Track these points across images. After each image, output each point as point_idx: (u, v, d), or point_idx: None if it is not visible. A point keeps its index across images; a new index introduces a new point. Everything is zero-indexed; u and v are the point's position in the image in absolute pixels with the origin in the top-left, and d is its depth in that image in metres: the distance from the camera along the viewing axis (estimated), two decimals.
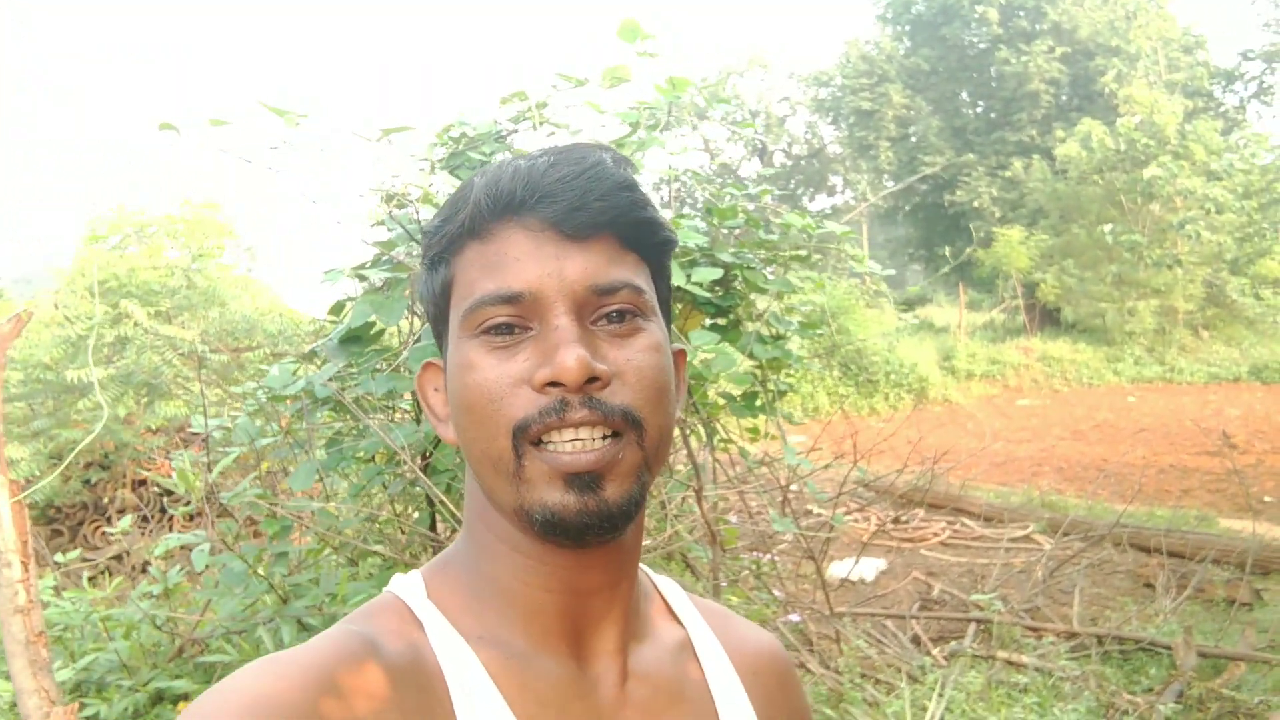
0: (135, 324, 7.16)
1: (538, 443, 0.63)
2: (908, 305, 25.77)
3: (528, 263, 0.65)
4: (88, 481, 7.40)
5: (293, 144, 3.07)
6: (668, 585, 0.83)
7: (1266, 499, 8.07)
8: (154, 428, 6.94)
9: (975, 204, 27.21)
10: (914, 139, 29.73)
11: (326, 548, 3.04)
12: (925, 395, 17.15)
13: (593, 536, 0.65)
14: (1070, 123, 26.00)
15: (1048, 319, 23.62)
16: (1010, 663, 4.35)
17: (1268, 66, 29.60)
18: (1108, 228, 22.15)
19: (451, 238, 0.69)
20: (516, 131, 3.85)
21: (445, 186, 3.20)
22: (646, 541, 3.56)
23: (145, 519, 6.54)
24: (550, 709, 0.67)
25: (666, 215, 3.48)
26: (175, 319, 7.58)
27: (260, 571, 2.63)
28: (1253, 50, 29.69)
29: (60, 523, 7.41)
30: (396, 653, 0.64)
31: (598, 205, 0.66)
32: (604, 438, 0.64)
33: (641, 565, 0.79)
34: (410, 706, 0.62)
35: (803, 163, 35.36)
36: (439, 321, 0.73)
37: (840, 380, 16.61)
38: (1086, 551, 6.39)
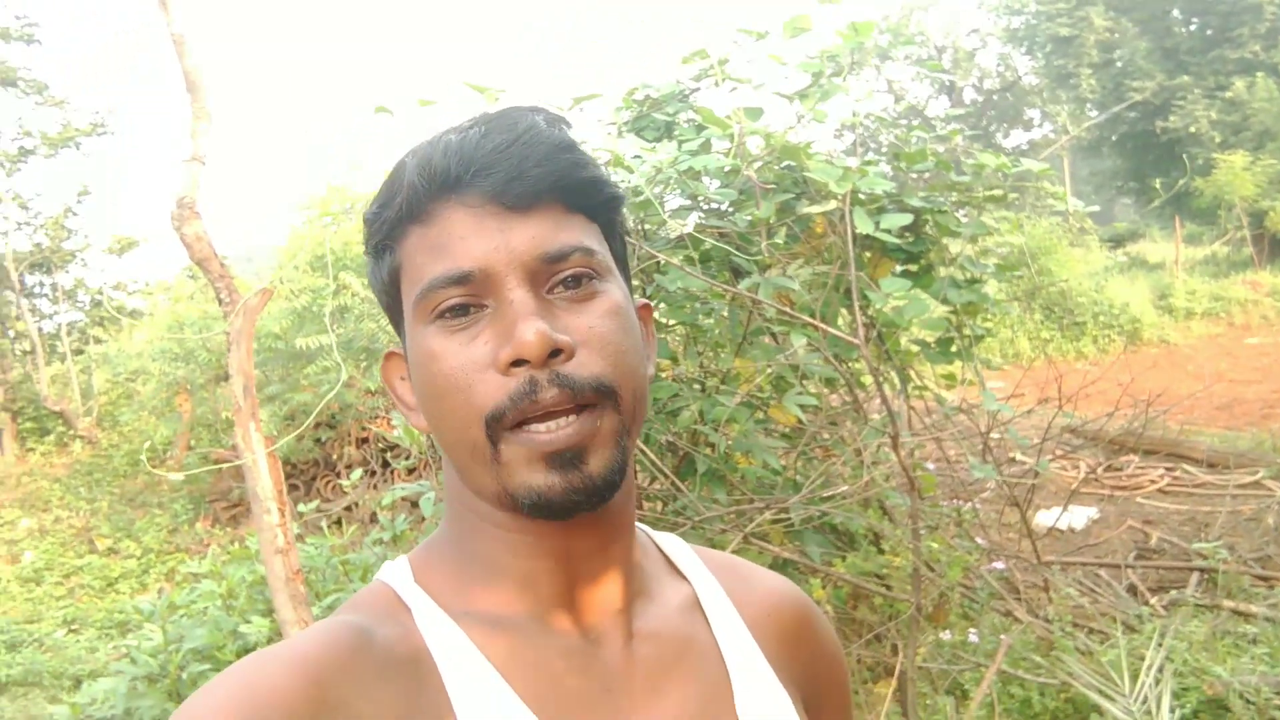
0: (353, 294, 7.67)
1: (512, 427, 0.62)
2: (1117, 242, 24.21)
3: (473, 240, 0.63)
4: (318, 440, 8.06)
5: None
6: (669, 542, 0.81)
7: None
8: (374, 390, 7.44)
9: (1192, 129, 25.12)
10: (1119, 64, 27.67)
11: None
12: (1139, 337, 16.12)
13: (581, 511, 0.64)
14: None
15: (1278, 250, 21.64)
16: (1238, 612, 4.12)
17: None
18: None
19: (392, 224, 0.67)
20: (699, 90, 3.89)
21: (632, 149, 3.29)
22: (843, 488, 3.58)
23: (372, 473, 7.04)
24: (548, 676, 0.66)
25: (852, 163, 3.45)
26: None
27: None
28: None
29: (296, 478, 8.12)
30: (388, 639, 0.64)
31: (536, 172, 0.64)
32: (578, 412, 0.62)
33: (641, 526, 0.78)
34: (404, 691, 0.62)
35: (995, 98, 33.59)
36: (393, 311, 0.71)
37: (1043, 324, 15.85)
38: None
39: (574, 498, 0.62)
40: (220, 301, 2.57)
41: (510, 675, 0.64)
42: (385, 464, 6.95)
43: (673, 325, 3.62)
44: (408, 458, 4.44)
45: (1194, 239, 24.00)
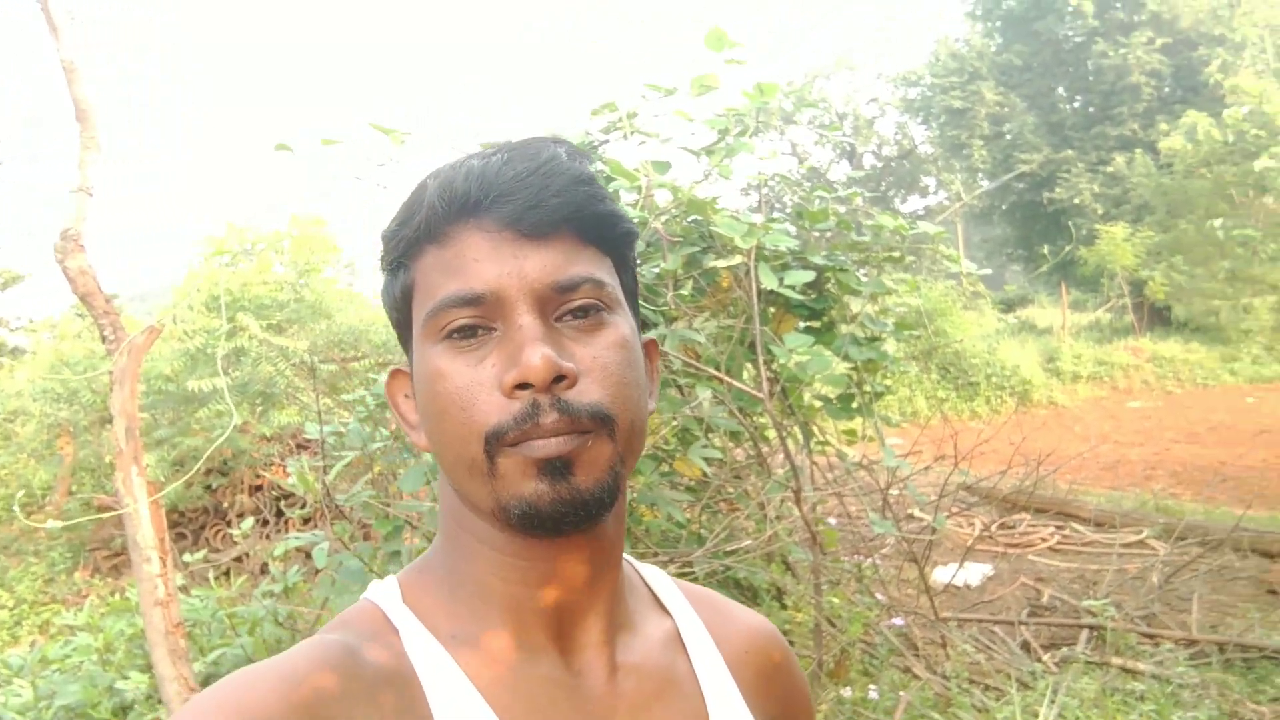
0: (250, 336, 7.46)
1: (512, 444, 0.63)
2: (1007, 306, 25.13)
3: (487, 264, 0.65)
4: (209, 487, 7.75)
5: (398, 161, 3.18)
6: (654, 575, 0.82)
7: None
8: (269, 435, 7.21)
9: (1076, 201, 26.40)
10: (1009, 136, 29.02)
11: None
12: (1029, 398, 16.71)
13: (569, 526, 0.64)
14: (1174, 115, 25.04)
15: (1157, 318, 22.77)
16: (1126, 669, 4.22)
17: None
18: (1218, 222, 21.23)
19: (409, 242, 0.68)
20: (608, 142, 3.91)
21: None
22: (746, 542, 3.57)
23: (264, 522, 6.80)
24: (532, 704, 0.67)
25: (756, 219, 3.50)
26: (286, 331, 7.86)
27: (375, 570, 2.73)
28: None
29: (184, 526, 7.78)
30: (373, 658, 0.64)
31: (554, 201, 0.65)
32: (573, 435, 0.63)
33: (627, 557, 0.79)
34: (390, 711, 0.62)
35: (893, 164, 34.81)
36: (402, 328, 0.73)
37: (939, 383, 16.30)
38: (1205, 557, 6.15)
39: (560, 509, 0.63)
40: (104, 339, 2.45)
41: (494, 701, 0.65)
42: (279, 513, 6.72)
43: None
44: (303, 506, 4.28)
45: (1079, 305, 25.10)
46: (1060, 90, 30.16)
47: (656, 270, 3.26)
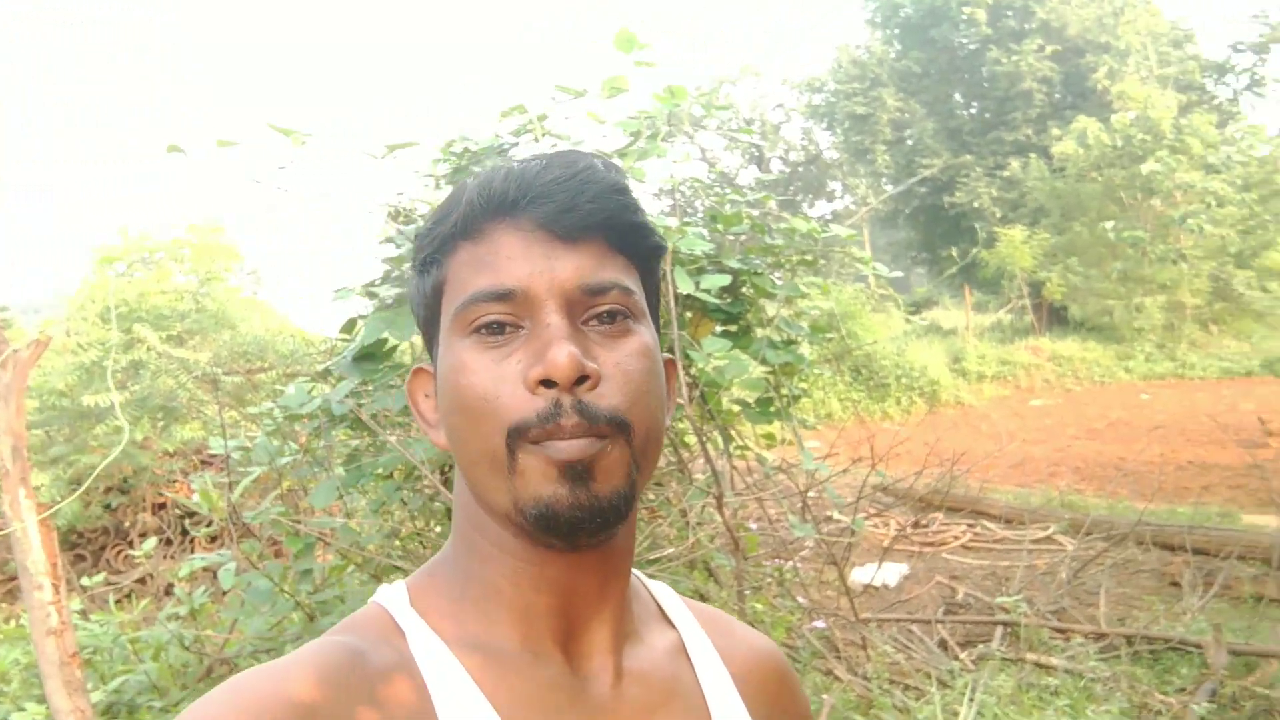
0: (149, 348, 7.18)
1: (533, 442, 0.64)
2: (915, 308, 25.74)
3: (519, 261, 0.66)
4: (108, 506, 7.44)
5: (299, 163, 3.06)
6: (660, 590, 0.83)
7: None
8: (171, 451, 6.96)
9: (975, 204, 27.19)
10: (910, 142, 29.75)
11: (350, 564, 3.02)
12: (937, 398, 17.09)
13: (584, 534, 0.65)
14: (1065, 120, 26.01)
15: (1055, 318, 23.57)
16: (1040, 665, 4.30)
17: (1258, 58, 29.53)
18: (1110, 224, 22.10)
19: (444, 238, 0.70)
20: (518, 144, 3.84)
21: None
22: (669, 550, 3.53)
23: (167, 542, 6.56)
24: (537, 709, 0.67)
25: (671, 223, 3.47)
26: (187, 342, 7.59)
27: (286, 589, 2.61)
28: (1242, 42, 29.66)
29: (83, 547, 7.44)
30: (381, 661, 0.65)
31: (589, 207, 0.67)
32: (591, 438, 0.64)
33: (635, 571, 0.79)
34: (395, 715, 0.62)
35: (800, 169, 35.36)
36: (430, 325, 0.74)
37: (851, 385, 16.57)
38: (1110, 551, 6.34)
39: (578, 514, 0.63)
40: None
41: (500, 706, 0.65)
42: (184, 532, 6.47)
43: None
44: (209, 524, 4.10)
45: (981, 307, 25.81)
46: (957, 96, 31.04)
47: None
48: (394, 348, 3.00)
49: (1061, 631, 4.78)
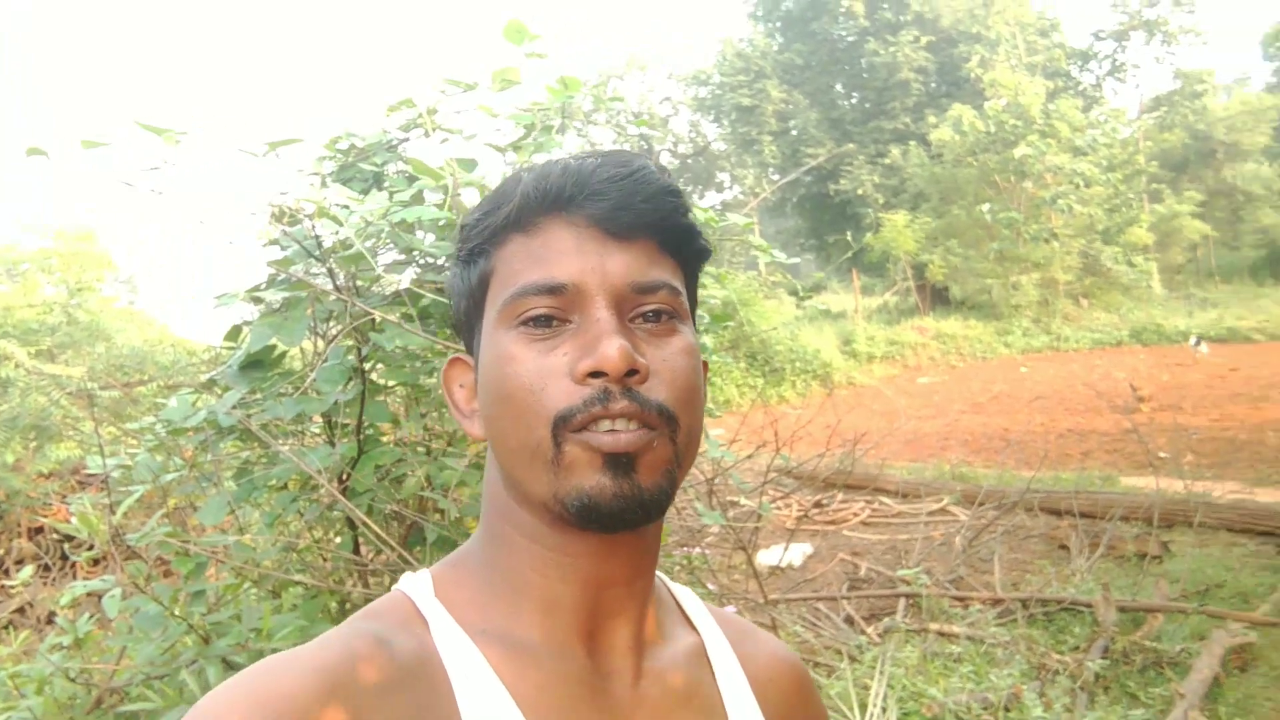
0: (16, 365, 6.80)
1: (577, 430, 0.63)
2: (809, 293, 26.22)
3: (572, 256, 0.66)
4: None
5: (174, 164, 2.91)
6: (684, 594, 0.83)
7: (1162, 454, 8.40)
8: (46, 472, 6.60)
9: (859, 192, 27.87)
10: (795, 132, 30.30)
11: (245, 582, 2.89)
12: (830, 380, 17.45)
13: (624, 524, 0.64)
14: (941, 108, 26.88)
15: (938, 298, 24.33)
16: (943, 634, 4.41)
17: (1119, 45, 31.13)
18: (985, 207, 22.94)
19: (494, 229, 0.70)
20: (408, 140, 3.74)
21: (339, 199, 3.08)
22: None
23: (46, 568, 6.24)
24: (557, 702, 0.67)
25: None
26: (59, 357, 7.20)
27: (177, 613, 2.48)
28: (1104, 30, 31.22)
29: None
30: (403, 649, 0.64)
31: (643, 206, 0.68)
32: (639, 427, 0.64)
33: (659, 574, 0.80)
34: (416, 703, 0.62)
35: (689, 161, 35.68)
36: (471, 314, 0.74)
37: (748, 371, 16.78)
38: (1001, 519, 6.56)
39: (619, 504, 0.63)
40: None
41: (520, 697, 0.65)
42: (64, 557, 6.13)
43: (392, 386, 3.41)
44: (90, 548, 3.88)
45: (869, 290, 26.47)
46: (839, 87, 31.75)
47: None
48: (283, 354, 2.88)
49: (961, 600, 4.92)
